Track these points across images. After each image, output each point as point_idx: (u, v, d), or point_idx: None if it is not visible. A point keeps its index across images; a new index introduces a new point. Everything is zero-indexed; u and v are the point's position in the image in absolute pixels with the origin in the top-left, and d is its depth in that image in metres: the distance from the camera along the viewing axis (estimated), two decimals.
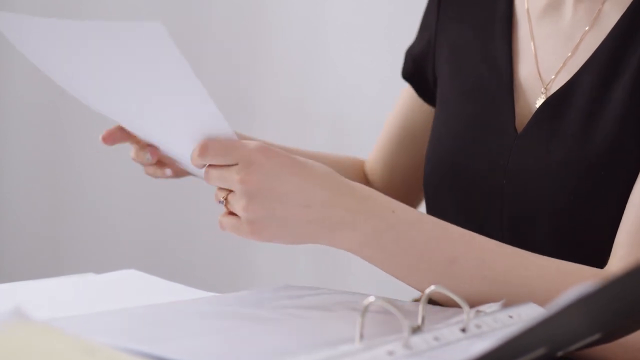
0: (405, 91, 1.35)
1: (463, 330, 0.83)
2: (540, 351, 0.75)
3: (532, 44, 1.14)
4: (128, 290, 1.11)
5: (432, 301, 0.89)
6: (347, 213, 0.92)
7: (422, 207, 1.27)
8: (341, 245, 0.93)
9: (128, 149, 1.15)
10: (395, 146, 1.36)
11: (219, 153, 0.93)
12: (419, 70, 1.30)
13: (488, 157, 1.11)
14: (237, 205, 0.93)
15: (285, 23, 2.36)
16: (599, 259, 1.01)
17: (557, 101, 1.08)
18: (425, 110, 1.32)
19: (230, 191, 0.94)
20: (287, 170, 0.92)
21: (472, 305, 0.85)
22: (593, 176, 1.03)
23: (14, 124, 2.63)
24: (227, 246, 2.38)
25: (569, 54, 1.10)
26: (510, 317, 0.87)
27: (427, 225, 0.95)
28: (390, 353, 0.77)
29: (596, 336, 0.79)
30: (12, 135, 2.64)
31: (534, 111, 1.10)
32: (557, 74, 1.11)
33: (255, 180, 0.91)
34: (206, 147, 0.93)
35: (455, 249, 0.94)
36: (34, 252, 2.65)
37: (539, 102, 1.10)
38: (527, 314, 0.88)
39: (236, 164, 0.92)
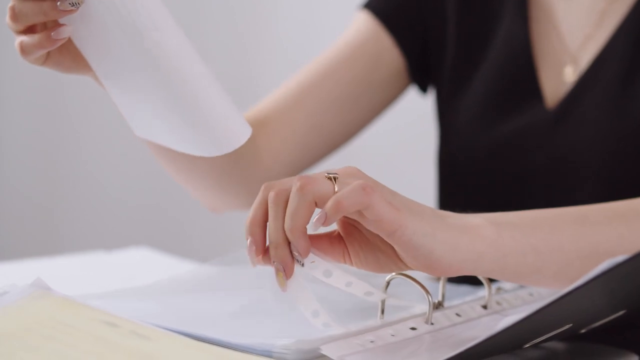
0: (368, 37, 1.14)
1: (484, 307, 0.83)
2: (567, 327, 0.75)
3: (552, 15, 1.11)
4: (142, 267, 1.10)
5: (449, 280, 0.88)
6: (460, 216, 0.79)
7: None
8: (480, 239, 0.77)
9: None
10: (345, 104, 1.13)
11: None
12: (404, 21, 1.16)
13: (521, 139, 1.07)
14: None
15: (285, 21, 2.35)
16: None
17: (592, 71, 1.06)
18: (395, 61, 1.16)
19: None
20: None
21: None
22: (637, 141, 1.02)
23: (13, 103, 2.63)
24: (229, 223, 2.37)
25: (595, 20, 1.09)
26: (531, 294, 0.87)
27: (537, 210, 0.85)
28: (413, 328, 0.77)
29: (620, 312, 0.79)
30: (14, 114, 2.63)
31: (562, 83, 1.09)
32: (584, 43, 1.09)
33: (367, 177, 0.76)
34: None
35: (579, 210, 0.84)
36: (30, 231, 2.65)
37: (568, 72, 1.08)
38: (547, 292, 0.88)
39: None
